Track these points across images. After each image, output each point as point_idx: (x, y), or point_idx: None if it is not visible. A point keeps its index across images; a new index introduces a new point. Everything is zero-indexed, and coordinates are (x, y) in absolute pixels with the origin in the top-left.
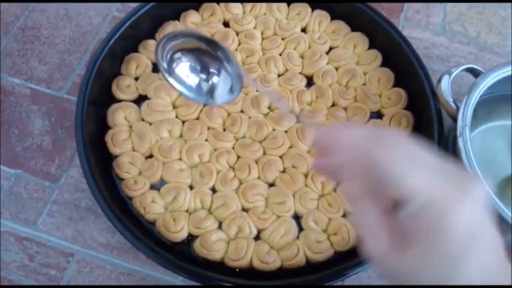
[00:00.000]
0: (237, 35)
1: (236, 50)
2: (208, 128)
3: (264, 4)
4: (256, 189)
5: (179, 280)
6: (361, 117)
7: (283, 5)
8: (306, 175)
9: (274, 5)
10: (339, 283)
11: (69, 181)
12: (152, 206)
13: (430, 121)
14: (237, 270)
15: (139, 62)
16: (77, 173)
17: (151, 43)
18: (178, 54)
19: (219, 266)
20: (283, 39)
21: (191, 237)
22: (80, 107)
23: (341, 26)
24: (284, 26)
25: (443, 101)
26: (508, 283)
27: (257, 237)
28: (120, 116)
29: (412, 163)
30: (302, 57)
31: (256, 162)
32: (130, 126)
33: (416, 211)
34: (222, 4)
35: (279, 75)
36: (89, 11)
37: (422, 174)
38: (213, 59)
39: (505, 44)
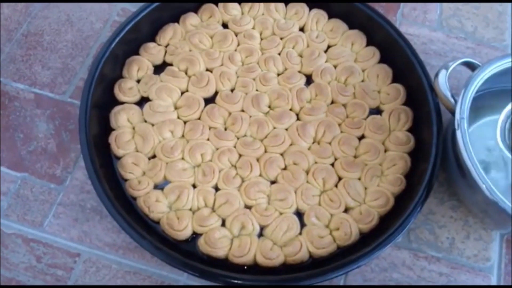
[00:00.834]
0: (236, 35)
1: (235, 50)
2: (210, 128)
3: (262, 5)
4: (258, 187)
5: (184, 277)
6: (360, 113)
7: (281, 5)
8: (307, 172)
9: (272, 5)
10: (341, 281)
11: (74, 182)
12: (156, 205)
13: (429, 116)
14: (241, 266)
15: (140, 64)
16: (81, 175)
17: (152, 45)
18: None
19: (224, 263)
20: (281, 38)
21: (195, 235)
22: (84, 110)
23: (339, 24)
24: (282, 25)
25: (441, 95)
26: None
27: (260, 234)
28: (123, 118)
29: None
30: (300, 56)
31: (258, 160)
32: (133, 128)
33: None
34: (220, 6)
35: (278, 74)
36: (90, 16)
37: None
38: None
39: (502, 38)
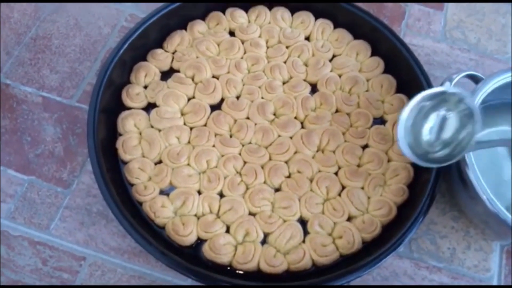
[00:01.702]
0: (243, 43)
1: (242, 58)
2: (216, 135)
3: (268, 13)
4: (263, 194)
5: (188, 282)
6: (364, 122)
7: (287, 14)
8: (311, 180)
9: (278, 14)
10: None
11: (81, 186)
12: (161, 211)
13: None
14: (244, 273)
15: (148, 70)
16: (88, 178)
17: (159, 52)
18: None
19: (227, 270)
20: (287, 47)
21: (200, 241)
22: (92, 114)
23: (344, 34)
24: (288, 34)
25: None
26: None
27: (263, 241)
28: (130, 123)
29: None
30: (306, 64)
31: (262, 167)
32: (140, 133)
33: None
34: (227, 14)
35: (283, 83)
36: (98, 21)
37: None
38: None
39: (505, 50)
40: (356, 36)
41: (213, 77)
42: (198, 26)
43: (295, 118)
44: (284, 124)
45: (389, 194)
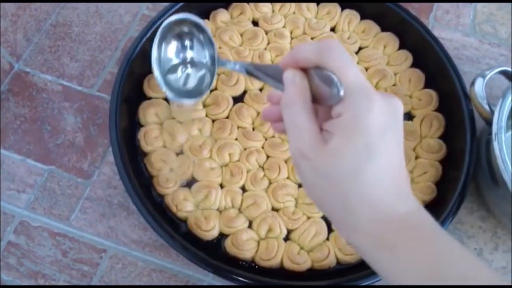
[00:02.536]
0: (266, 34)
1: (265, 49)
2: (238, 127)
3: (293, 3)
4: (286, 189)
5: (209, 277)
6: None
7: (313, 4)
8: None
9: (304, 4)
10: None
11: (102, 177)
12: (183, 204)
13: (462, 123)
14: (266, 269)
15: None
16: (109, 170)
17: None
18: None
19: (250, 265)
20: (312, 38)
21: (221, 236)
22: (114, 105)
23: (371, 26)
24: (314, 25)
25: (477, 104)
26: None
27: (286, 238)
28: (151, 113)
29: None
30: None
31: (286, 162)
32: (161, 124)
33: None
34: (251, 3)
35: None
36: (119, 9)
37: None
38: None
39: None
40: (383, 28)
41: None
42: (221, 16)
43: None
44: None
45: (417, 192)
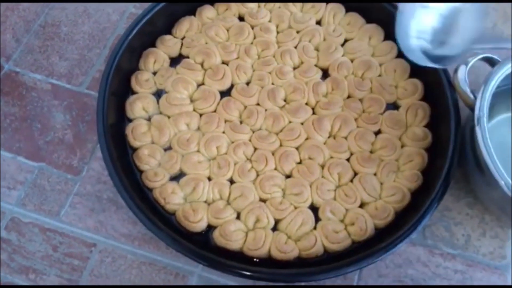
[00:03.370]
0: (252, 28)
1: (251, 43)
2: (225, 121)
3: None
4: (273, 180)
5: (199, 269)
6: (377, 108)
7: None
8: (322, 166)
9: None
10: (355, 277)
11: (91, 173)
12: (172, 197)
13: (447, 112)
14: (255, 259)
15: (156, 57)
16: (98, 165)
17: (168, 38)
18: None
19: (238, 256)
20: (298, 32)
21: (210, 228)
22: (101, 100)
23: (356, 18)
24: (299, 19)
25: (460, 91)
26: None
27: (274, 228)
28: (138, 107)
29: None
30: (317, 49)
31: (273, 153)
32: (149, 118)
33: None
34: None
35: (294, 68)
36: (107, 8)
37: None
38: None
39: None
40: (368, 20)
41: (223, 63)
42: (207, 12)
43: (306, 104)
44: (294, 110)
45: (403, 180)
